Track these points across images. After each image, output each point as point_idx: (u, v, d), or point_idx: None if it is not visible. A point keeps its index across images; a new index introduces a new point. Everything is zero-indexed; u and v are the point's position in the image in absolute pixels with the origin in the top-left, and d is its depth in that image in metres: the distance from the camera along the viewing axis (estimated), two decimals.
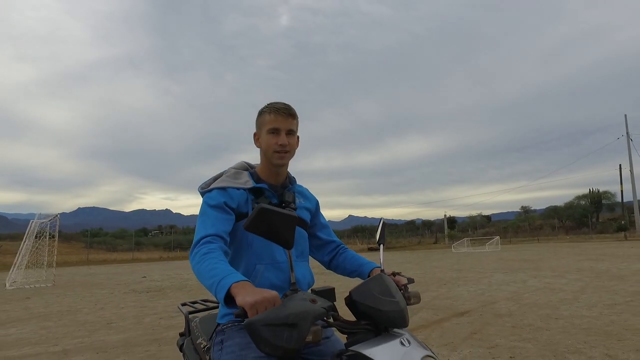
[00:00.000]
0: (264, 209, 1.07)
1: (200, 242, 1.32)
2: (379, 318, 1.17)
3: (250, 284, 1.12)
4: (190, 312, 2.06)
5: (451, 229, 52.99)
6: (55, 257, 15.08)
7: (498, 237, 30.68)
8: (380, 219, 1.76)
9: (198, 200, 1.54)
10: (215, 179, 1.54)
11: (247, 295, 1.05)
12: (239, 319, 1.40)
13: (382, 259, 1.59)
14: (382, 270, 1.50)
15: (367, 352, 1.10)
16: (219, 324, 1.50)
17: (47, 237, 15.05)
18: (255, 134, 1.54)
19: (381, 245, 1.65)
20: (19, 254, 14.52)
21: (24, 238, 14.84)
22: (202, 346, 1.69)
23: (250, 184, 1.50)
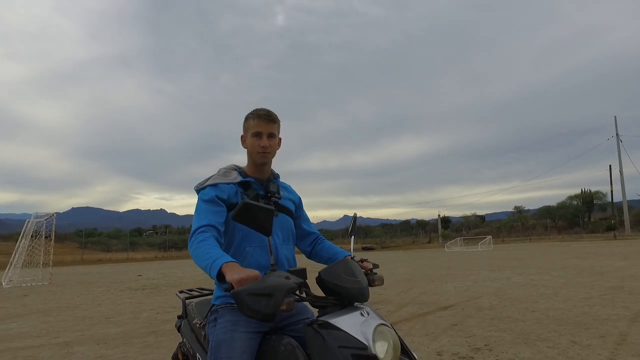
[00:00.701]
0: (247, 203, 1.34)
1: (197, 232, 1.58)
2: (343, 294, 1.44)
3: (238, 264, 1.38)
4: (187, 298, 2.32)
5: (445, 229, 53.51)
6: (51, 256, 15.22)
7: (490, 236, 31.13)
8: (354, 213, 2.02)
9: (193, 200, 1.81)
10: (209, 178, 1.81)
11: (235, 273, 1.32)
12: (232, 301, 1.68)
13: (352, 248, 1.86)
14: (352, 257, 1.76)
15: (333, 321, 1.36)
16: (213, 305, 1.76)
17: (43, 237, 15.18)
18: (242, 137, 1.81)
19: (352, 237, 1.91)
20: (15, 252, 14.64)
21: (20, 237, 14.96)
22: (197, 325, 1.95)
23: (239, 179, 1.77)
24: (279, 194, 1.81)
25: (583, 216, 47.66)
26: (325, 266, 1.58)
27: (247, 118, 1.77)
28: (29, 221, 15.09)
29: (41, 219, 15.17)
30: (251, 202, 1.35)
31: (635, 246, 20.25)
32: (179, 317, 2.29)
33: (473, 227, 58.93)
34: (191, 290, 2.57)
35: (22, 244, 14.74)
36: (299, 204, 1.97)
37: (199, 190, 1.76)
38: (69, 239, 50.03)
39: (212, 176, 1.81)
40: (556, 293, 6.75)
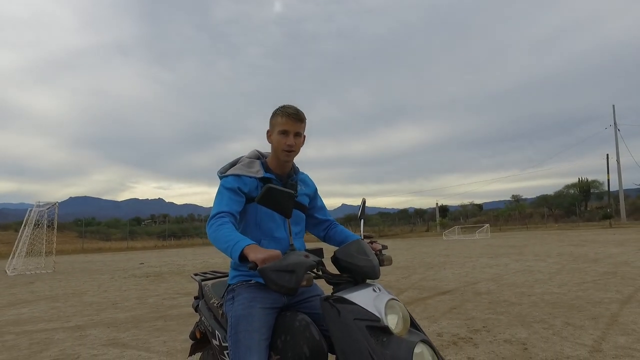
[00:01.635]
0: (270, 187, 1.46)
1: (217, 216, 1.68)
2: (357, 271, 1.57)
3: (258, 246, 1.50)
4: (203, 280, 2.44)
5: (443, 217, 53.84)
6: (54, 244, 15.36)
7: (488, 225, 31.41)
8: (363, 198, 2.15)
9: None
10: (232, 164, 1.88)
11: (258, 253, 1.44)
12: (248, 279, 1.81)
13: (362, 231, 1.98)
14: (362, 239, 1.89)
15: (348, 296, 1.49)
16: (229, 284, 1.88)
17: (45, 225, 15.30)
18: (268, 131, 1.86)
19: (362, 220, 2.04)
20: (18, 241, 14.77)
21: (23, 226, 15.08)
22: (215, 304, 2.08)
23: (261, 173, 1.83)
24: (296, 191, 1.89)
25: (580, 205, 48.04)
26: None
27: (274, 114, 1.81)
28: (31, 210, 15.19)
29: (43, 208, 15.27)
30: (274, 186, 1.48)
31: (630, 234, 20.55)
32: (196, 297, 2.42)
33: (471, 215, 59.30)
34: (205, 273, 2.70)
35: (25, 233, 14.87)
36: (313, 195, 2.04)
37: (222, 176, 1.84)
38: (68, 228, 50.15)
39: (235, 163, 1.87)
40: (551, 278, 6.95)
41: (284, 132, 1.77)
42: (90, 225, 55.80)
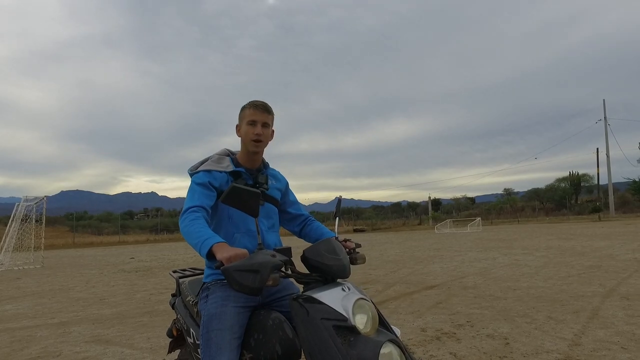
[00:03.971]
0: (235, 187, 1.44)
1: (189, 211, 1.67)
2: (326, 271, 1.55)
3: (227, 244, 1.49)
4: (180, 277, 2.42)
5: (435, 211, 54.21)
6: (43, 239, 15.21)
7: (479, 218, 31.67)
8: (338, 196, 2.13)
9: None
10: (202, 162, 1.90)
11: (225, 252, 1.42)
12: (223, 278, 1.79)
13: (336, 229, 1.97)
14: (336, 238, 1.88)
15: (316, 295, 1.48)
16: (204, 283, 1.87)
17: (34, 220, 15.14)
18: (237, 126, 1.89)
19: (337, 219, 2.03)
20: (6, 236, 14.60)
21: (10, 221, 14.90)
22: (190, 302, 2.06)
23: (231, 167, 1.86)
24: (267, 184, 1.91)
25: (570, 198, 48.59)
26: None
27: (243, 108, 1.85)
28: (18, 205, 15.00)
29: (31, 202, 15.09)
30: (239, 185, 1.46)
31: (617, 227, 20.85)
32: (173, 295, 2.40)
33: (463, 209, 59.76)
34: (184, 270, 2.68)
35: (13, 227, 14.69)
36: (285, 190, 2.05)
37: (192, 173, 1.85)
38: (59, 223, 49.71)
39: (205, 161, 1.90)
40: (538, 272, 7.02)
41: (253, 122, 1.80)
42: (82, 219, 55.34)
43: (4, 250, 14.22)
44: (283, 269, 1.48)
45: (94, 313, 5.39)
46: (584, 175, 51.77)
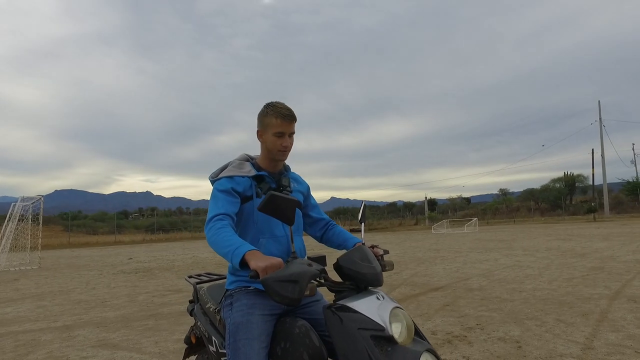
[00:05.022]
0: (273, 195, 1.40)
1: (214, 219, 1.63)
2: (360, 279, 1.52)
3: (260, 252, 1.45)
4: (198, 283, 2.38)
5: (431, 211, 54.39)
6: (40, 239, 15.05)
7: (476, 218, 31.76)
8: (362, 201, 2.10)
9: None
10: (223, 169, 1.85)
11: (259, 261, 1.38)
12: (247, 285, 1.76)
13: (362, 235, 1.94)
14: (363, 244, 1.85)
15: (351, 304, 1.45)
16: (227, 290, 1.83)
17: (30, 220, 14.97)
18: (258, 131, 1.82)
19: (362, 224, 2.00)
20: (2, 237, 14.43)
21: (6, 221, 14.73)
22: (211, 309, 2.02)
23: (253, 172, 1.81)
24: (289, 187, 1.88)
25: (565, 199, 48.92)
26: (339, 252, 1.67)
27: (267, 114, 1.77)
28: (14, 204, 14.83)
29: (28, 202, 14.93)
30: (277, 193, 1.42)
31: (614, 228, 21.00)
32: (191, 301, 2.36)
33: (459, 209, 59.97)
34: (200, 275, 2.63)
35: (9, 228, 14.52)
36: (307, 193, 2.02)
37: (214, 180, 1.81)
38: (54, 222, 49.32)
39: (226, 167, 1.85)
40: (541, 274, 7.04)
41: (280, 134, 1.75)
42: (77, 218, 54.94)
43: (0, 251, 14.06)
44: (317, 277, 1.45)
45: (97, 316, 5.32)
46: (579, 175, 52.16)
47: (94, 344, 4.03)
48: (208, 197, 1.82)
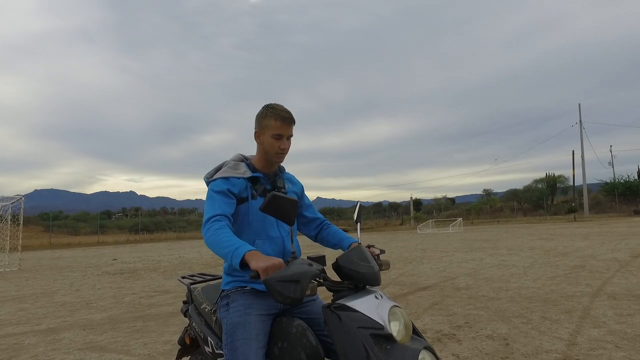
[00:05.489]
0: (275, 195, 1.41)
1: (212, 220, 1.63)
2: (358, 279, 1.54)
3: (259, 252, 1.46)
4: (192, 284, 2.36)
5: (417, 211, 54.94)
6: (20, 240, 14.66)
7: (461, 218, 32.22)
8: (357, 201, 2.12)
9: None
10: (217, 169, 1.85)
11: (260, 261, 1.39)
12: (243, 285, 1.76)
13: (359, 235, 1.96)
14: (359, 244, 1.87)
15: (350, 303, 1.47)
16: (223, 290, 1.83)
17: (10, 221, 14.56)
18: (256, 132, 1.82)
19: (358, 224, 2.02)
20: None
21: None
22: (206, 310, 2.01)
23: (249, 173, 1.81)
24: (284, 188, 1.88)
25: (547, 199, 50.06)
26: (334, 251, 1.68)
27: (266, 116, 1.77)
28: None
29: (7, 202, 14.51)
30: (279, 194, 1.43)
31: (593, 227, 21.59)
32: (185, 302, 2.35)
33: (444, 209, 60.74)
34: (193, 275, 2.62)
35: None
36: (301, 194, 2.04)
37: (209, 181, 1.80)
38: (33, 223, 48.09)
39: (221, 167, 1.85)
40: (526, 272, 7.19)
41: (279, 137, 1.75)
42: (58, 219, 53.66)
43: None
44: (317, 277, 1.47)
45: (83, 318, 5.22)
46: (560, 176, 53.47)
47: (81, 347, 3.96)
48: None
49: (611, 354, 3.15)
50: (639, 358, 3.04)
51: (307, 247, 13.22)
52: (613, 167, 52.53)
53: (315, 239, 2.10)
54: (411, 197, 57.37)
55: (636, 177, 48.59)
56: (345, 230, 2.06)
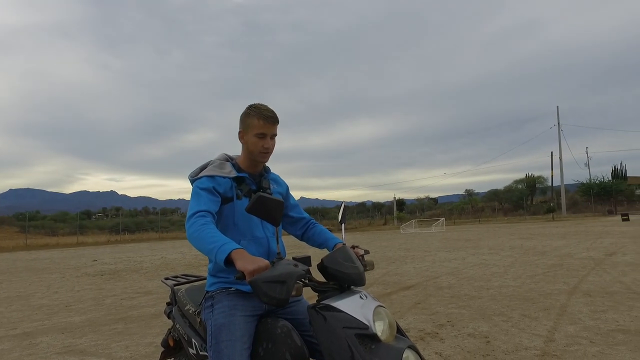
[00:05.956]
0: (261, 196, 1.42)
1: (196, 215, 1.61)
2: (343, 279, 1.56)
3: (246, 252, 1.45)
4: (175, 285, 2.34)
5: (400, 211, 55.49)
6: None
7: (443, 218, 32.69)
8: (342, 202, 2.14)
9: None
10: (202, 168, 1.84)
11: (247, 263, 1.39)
12: (228, 286, 1.76)
13: (344, 236, 1.98)
14: (344, 244, 1.88)
15: (335, 304, 1.48)
16: (207, 291, 1.82)
17: None
18: (240, 132, 1.82)
19: (342, 225, 2.03)
20: None
21: None
22: (190, 311, 2.00)
23: (234, 173, 1.81)
24: (270, 189, 1.89)
25: (526, 199, 51.28)
26: (319, 251, 1.70)
27: (249, 115, 1.77)
28: None
29: None
30: (265, 195, 1.44)
31: (570, 227, 22.22)
32: (168, 304, 2.32)
33: (427, 209, 61.52)
34: (176, 277, 2.59)
35: None
36: (286, 194, 2.04)
37: (194, 179, 1.79)
38: (8, 223, 46.63)
39: (206, 166, 1.84)
40: (506, 271, 7.36)
41: (262, 135, 1.76)
42: (34, 219, 52.12)
43: None
44: (303, 278, 1.48)
45: (61, 321, 5.09)
46: (539, 177, 54.87)
47: (59, 351, 3.86)
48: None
49: (586, 349, 3.26)
50: (611, 352, 3.16)
51: (290, 246, 13.20)
52: (589, 168, 54.22)
53: (301, 238, 2.11)
54: (394, 197, 57.92)
55: (610, 178, 50.27)
56: (329, 230, 2.09)
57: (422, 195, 71.55)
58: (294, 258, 1.56)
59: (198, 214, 1.61)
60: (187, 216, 1.64)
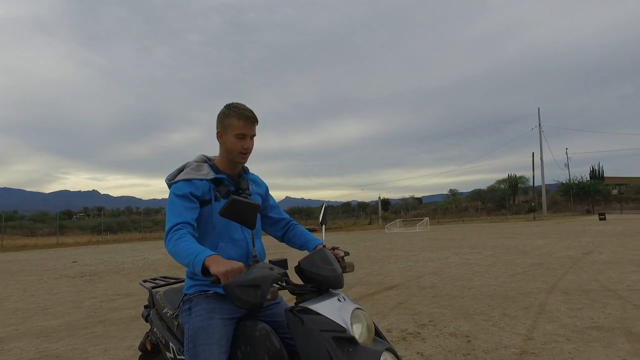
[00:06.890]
0: (235, 199, 1.39)
1: (173, 229, 1.60)
2: (321, 281, 1.55)
3: (220, 257, 1.44)
4: (153, 287, 2.30)
5: (385, 211, 55.90)
6: None
7: (427, 218, 33.03)
8: (323, 202, 2.13)
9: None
10: (180, 170, 1.81)
11: (220, 266, 1.37)
12: (206, 289, 1.73)
13: (323, 237, 1.97)
14: (324, 246, 1.88)
15: (313, 306, 1.47)
16: (185, 294, 1.79)
17: None
18: (218, 132, 1.79)
19: (323, 226, 2.03)
20: None
21: None
22: (168, 314, 1.96)
23: (212, 175, 1.78)
24: (249, 190, 1.87)
25: (509, 199, 52.28)
26: (299, 253, 1.68)
27: (228, 115, 1.74)
28: None
29: None
30: (238, 198, 1.42)
31: (550, 226, 22.73)
32: (146, 306, 2.28)
33: (411, 208, 62.15)
34: (155, 279, 2.54)
35: None
36: (265, 194, 2.02)
37: (171, 183, 1.76)
38: None
39: (183, 169, 1.80)
40: (488, 271, 7.47)
41: (242, 136, 1.73)
42: (12, 219, 50.64)
43: None
44: (279, 281, 1.46)
45: (37, 325, 4.95)
46: (521, 177, 56.02)
47: (33, 357, 3.74)
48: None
49: (562, 346, 3.33)
50: (586, 349, 3.23)
51: (272, 247, 13.14)
52: (568, 168, 55.67)
53: (281, 239, 2.10)
54: (379, 197, 58.28)
55: (589, 179, 51.65)
56: (313, 230, 2.08)
57: (406, 195, 72.33)
58: (270, 261, 1.55)
59: (174, 228, 1.59)
60: (165, 232, 1.62)
